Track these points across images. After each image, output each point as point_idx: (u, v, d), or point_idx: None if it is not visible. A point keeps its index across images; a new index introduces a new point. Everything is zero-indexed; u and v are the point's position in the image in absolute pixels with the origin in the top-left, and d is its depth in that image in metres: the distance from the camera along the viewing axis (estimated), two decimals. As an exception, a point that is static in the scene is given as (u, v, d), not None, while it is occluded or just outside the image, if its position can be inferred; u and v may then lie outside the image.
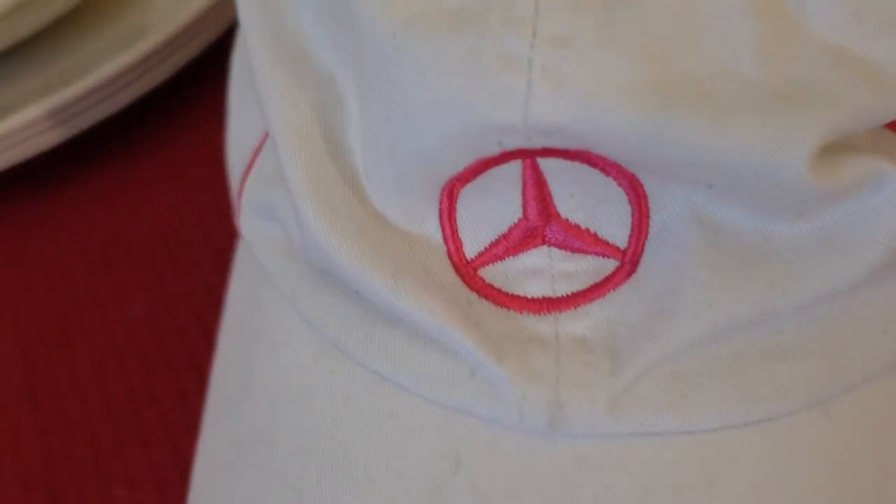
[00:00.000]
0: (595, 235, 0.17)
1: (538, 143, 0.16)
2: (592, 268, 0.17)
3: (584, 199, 0.17)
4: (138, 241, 0.32)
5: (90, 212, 0.34)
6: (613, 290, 0.17)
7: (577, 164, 0.17)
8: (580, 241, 0.18)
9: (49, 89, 0.34)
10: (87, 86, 0.32)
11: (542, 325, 0.17)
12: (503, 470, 0.17)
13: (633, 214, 0.17)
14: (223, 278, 0.28)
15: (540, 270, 0.18)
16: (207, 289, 0.29)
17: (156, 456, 0.25)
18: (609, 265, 0.17)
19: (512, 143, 0.16)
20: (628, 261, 0.17)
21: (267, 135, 0.23)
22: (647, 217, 0.17)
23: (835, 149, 0.16)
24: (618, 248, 0.17)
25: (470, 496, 0.17)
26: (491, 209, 0.18)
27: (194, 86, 0.37)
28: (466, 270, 0.18)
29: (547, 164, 0.17)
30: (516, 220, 0.18)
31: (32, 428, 0.27)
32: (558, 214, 0.17)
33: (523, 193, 0.17)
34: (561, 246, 0.18)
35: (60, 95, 0.32)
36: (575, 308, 0.17)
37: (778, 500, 0.16)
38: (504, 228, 0.18)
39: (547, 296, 0.18)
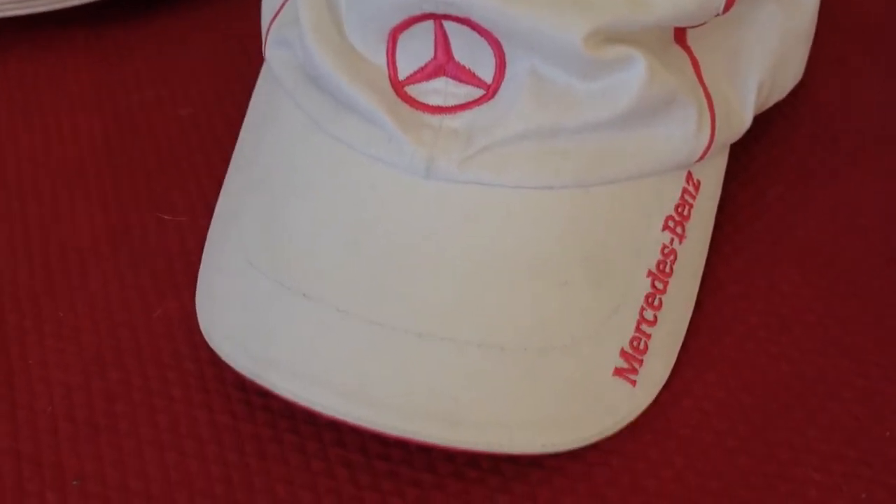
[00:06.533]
0: (473, 73, 0.29)
1: (442, 10, 0.28)
2: (468, 93, 0.29)
3: (469, 51, 0.29)
4: (190, 63, 0.44)
5: (161, 43, 0.45)
6: (477, 106, 0.29)
7: (466, 28, 0.29)
8: (465, 75, 0.29)
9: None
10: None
11: (433, 119, 0.29)
12: (399, 190, 0.29)
13: (496, 65, 0.29)
14: (249, 89, 0.40)
15: (439, 90, 0.30)
16: (234, 96, 0.42)
17: (192, 194, 0.38)
18: (478, 92, 0.29)
19: (428, 8, 0.28)
20: (490, 91, 0.29)
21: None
22: (504, 67, 0.29)
23: (606, 38, 0.28)
24: (486, 82, 0.29)
25: (380, 205, 0.29)
26: (416, 52, 0.29)
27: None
28: (398, 85, 0.30)
29: (449, 27, 0.29)
30: (430, 59, 0.30)
31: (108, 171, 0.39)
32: (454, 58, 0.29)
33: (434, 44, 0.29)
34: (454, 77, 0.29)
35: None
36: (454, 113, 0.29)
37: (534, 223, 0.29)
38: (422, 64, 0.30)
39: (440, 105, 0.30)
